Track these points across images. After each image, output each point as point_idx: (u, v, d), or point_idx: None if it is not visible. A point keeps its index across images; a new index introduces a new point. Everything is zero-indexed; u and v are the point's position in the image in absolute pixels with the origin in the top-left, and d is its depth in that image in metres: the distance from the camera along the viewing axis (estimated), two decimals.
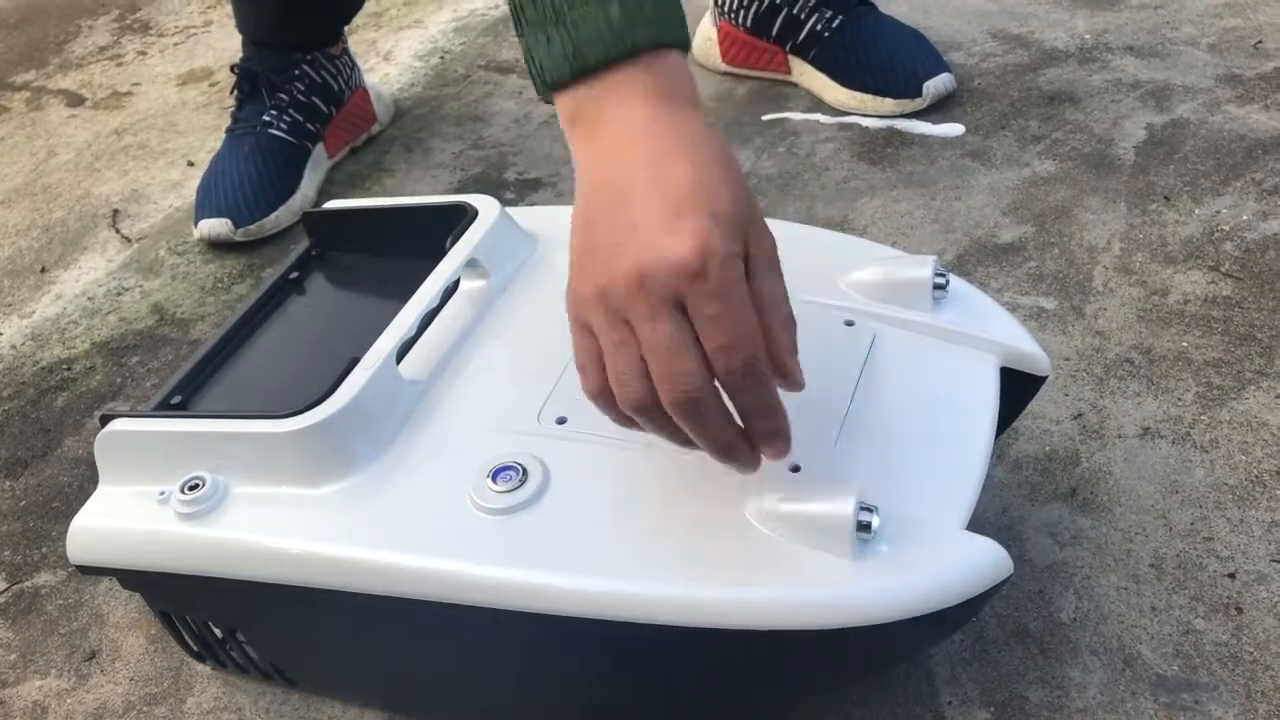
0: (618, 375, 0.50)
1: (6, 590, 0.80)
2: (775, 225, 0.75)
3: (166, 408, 0.66)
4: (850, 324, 0.65)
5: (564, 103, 0.53)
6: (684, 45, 0.54)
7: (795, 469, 0.56)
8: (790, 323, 0.51)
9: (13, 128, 1.40)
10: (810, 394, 0.60)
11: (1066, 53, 1.21)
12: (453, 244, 0.69)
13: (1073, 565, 0.71)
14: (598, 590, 0.53)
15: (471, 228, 0.70)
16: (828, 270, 0.68)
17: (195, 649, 0.69)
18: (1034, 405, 0.81)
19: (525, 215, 0.76)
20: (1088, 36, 1.23)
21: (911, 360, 0.63)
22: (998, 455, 0.78)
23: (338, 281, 0.76)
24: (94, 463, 0.88)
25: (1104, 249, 0.94)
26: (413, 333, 0.64)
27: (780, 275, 0.52)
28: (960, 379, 0.63)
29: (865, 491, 0.52)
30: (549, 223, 0.76)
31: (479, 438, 0.60)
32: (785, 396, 0.60)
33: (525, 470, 0.57)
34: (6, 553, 0.82)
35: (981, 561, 0.53)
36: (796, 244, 0.73)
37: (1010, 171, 1.05)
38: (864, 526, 0.51)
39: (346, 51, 1.24)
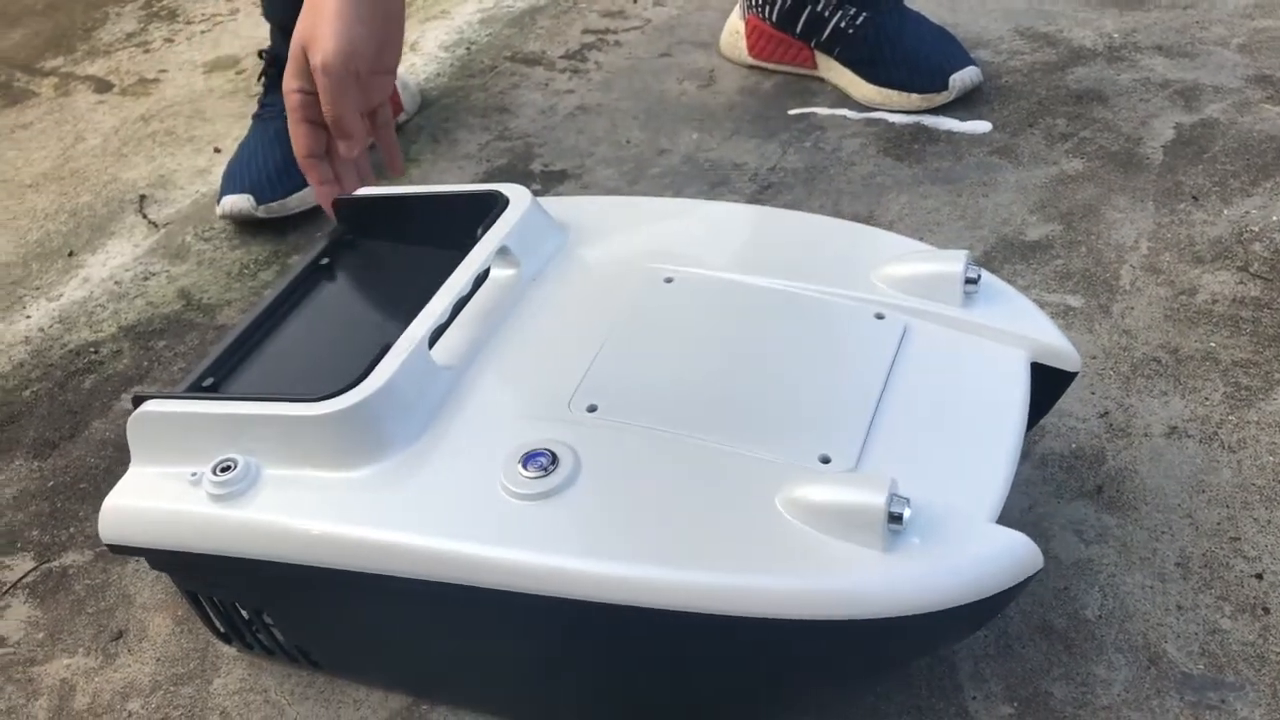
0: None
1: (35, 569, 0.80)
2: (810, 220, 0.76)
3: (198, 390, 0.66)
4: (880, 317, 0.65)
5: None
6: None
7: (825, 460, 0.56)
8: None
9: (41, 113, 1.41)
10: (841, 386, 0.61)
11: (1095, 51, 1.21)
12: (484, 232, 0.70)
13: (1098, 563, 0.71)
14: (627, 576, 0.53)
15: (503, 216, 0.71)
16: (859, 264, 0.68)
17: (222, 630, 0.69)
18: (1061, 403, 0.81)
19: (554, 205, 0.76)
20: (1116, 36, 1.23)
21: (942, 354, 0.63)
22: (1024, 452, 0.78)
23: (367, 268, 0.77)
24: (121, 445, 0.89)
25: (1131, 248, 0.94)
26: (445, 319, 0.65)
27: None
28: (990, 373, 0.63)
29: (897, 483, 0.52)
30: (578, 213, 0.76)
31: (510, 424, 0.60)
32: (816, 387, 0.60)
33: (556, 456, 0.57)
34: (35, 532, 0.83)
35: (1012, 555, 0.53)
36: (829, 237, 0.73)
37: (1038, 169, 1.05)
38: (895, 518, 0.51)
39: None
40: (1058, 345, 0.64)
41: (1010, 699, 0.64)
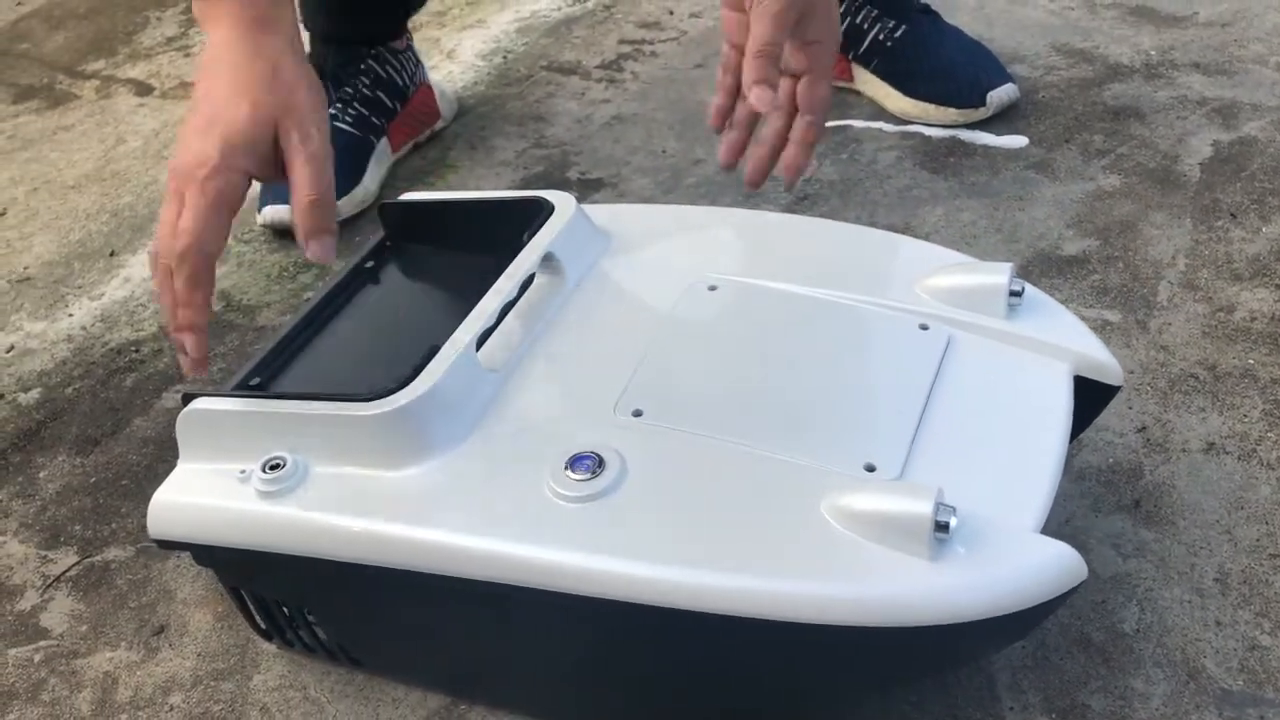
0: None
1: (78, 564, 0.81)
2: (852, 230, 0.76)
3: (246, 389, 0.67)
4: (925, 328, 0.65)
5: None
6: None
7: (870, 468, 0.57)
8: (311, 208, 0.67)
9: (83, 115, 1.43)
10: (885, 395, 0.61)
11: (1132, 68, 1.21)
12: (529, 238, 0.70)
13: (1136, 577, 0.71)
14: (672, 580, 0.54)
15: (549, 223, 0.71)
16: (902, 275, 0.69)
17: (263, 627, 0.70)
18: (1099, 417, 0.81)
19: (597, 212, 0.77)
20: (1153, 53, 1.23)
21: (986, 366, 0.64)
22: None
23: (412, 272, 0.77)
24: (162, 442, 0.90)
25: (1169, 264, 0.94)
26: (492, 323, 0.65)
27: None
28: (1034, 385, 0.63)
29: (943, 492, 0.53)
30: (620, 220, 0.77)
31: (556, 428, 0.61)
32: (860, 396, 0.60)
33: (603, 460, 0.58)
34: (78, 527, 0.84)
35: (1057, 565, 0.53)
36: (872, 247, 0.74)
37: (1074, 184, 1.05)
38: (941, 526, 0.52)
39: (411, 48, 1.26)
40: (1101, 359, 0.65)
41: (1048, 710, 0.64)
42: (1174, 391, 0.83)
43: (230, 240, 1.14)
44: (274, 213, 1.12)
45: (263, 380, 0.68)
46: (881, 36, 1.17)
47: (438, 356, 0.62)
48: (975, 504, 0.54)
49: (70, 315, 1.07)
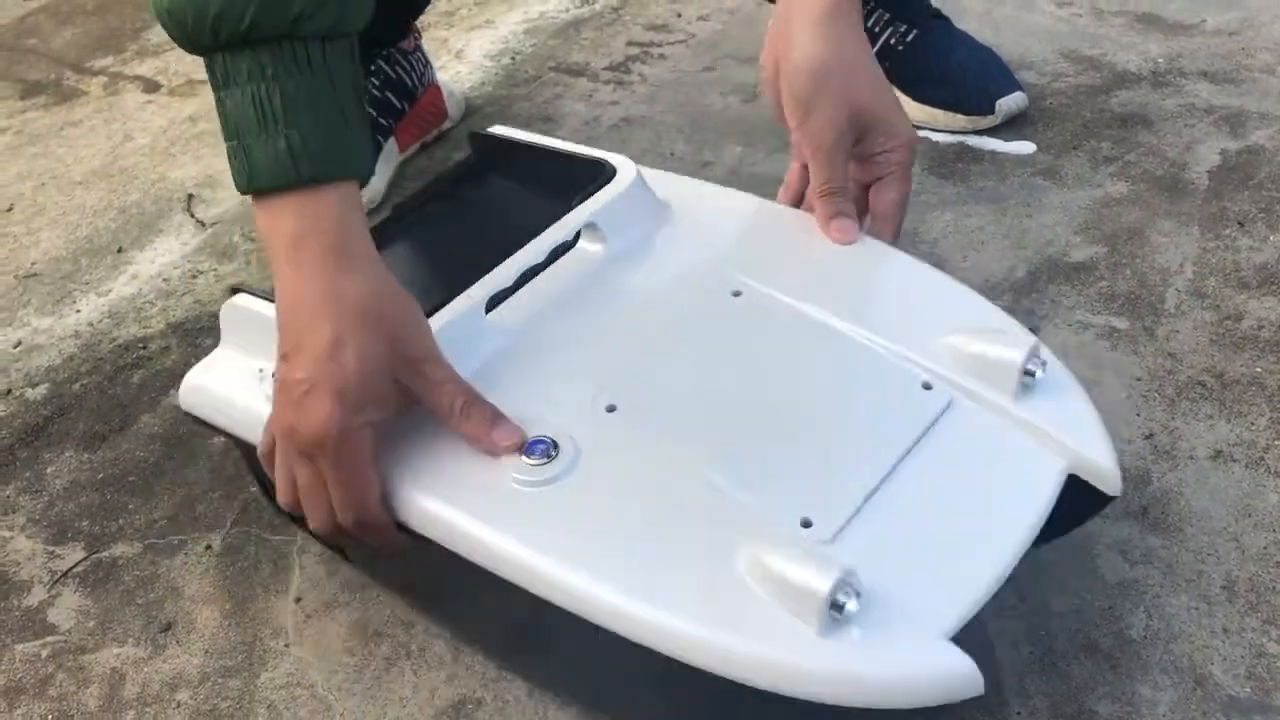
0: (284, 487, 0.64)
1: (85, 559, 0.81)
2: (904, 264, 0.73)
3: None
4: (928, 387, 0.64)
5: (258, 212, 0.62)
6: (357, 173, 0.61)
7: (806, 524, 0.56)
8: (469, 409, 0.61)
9: (90, 111, 1.43)
10: (856, 449, 0.60)
11: (1139, 76, 1.21)
12: (578, 203, 0.72)
13: (1143, 583, 0.71)
14: (572, 585, 0.56)
15: (600, 191, 0.73)
16: (930, 324, 0.67)
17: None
18: (1105, 423, 0.81)
19: (667, 182, 0.78)
20: (1161, 60, 1.23)
21: (975, 443, 0.61)
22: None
23: (479, 202, 0.80)
24: (170, 439, 0.91)
25: (1176, 272, 0.94)
26: (508, 284, 0.68)
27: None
28: (1019, 477, 0.60)
29: (856, 571, 0.52)
30: (684, 197, 0.78)
31: (532, 405, 0.63)
32: (832, 443, 0.61)
33: (558, 447, 0.60)
34: (85, 523, 0.84)
35: (947, 676, 0.52)
36: (914, 288, 0.71)
37: (1082, 191, 1.05)
38: (838, 606, 0.51)
39: (419, 48, 1.26)
40: (1102, 463, 0.61)
41: (1055, 715, 0.65)
42: (1181, 399, 0.83)
43: (238, 238, 1.15)
44: None
45: None
46: (893, 40, 1.17)
47: (447, 308, 0.66)
48: (894, 588, 0.53)
49: (78, 311, 1.07)
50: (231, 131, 0.59)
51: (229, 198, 1.22)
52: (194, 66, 1.50)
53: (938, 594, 0.54)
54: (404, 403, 0.62)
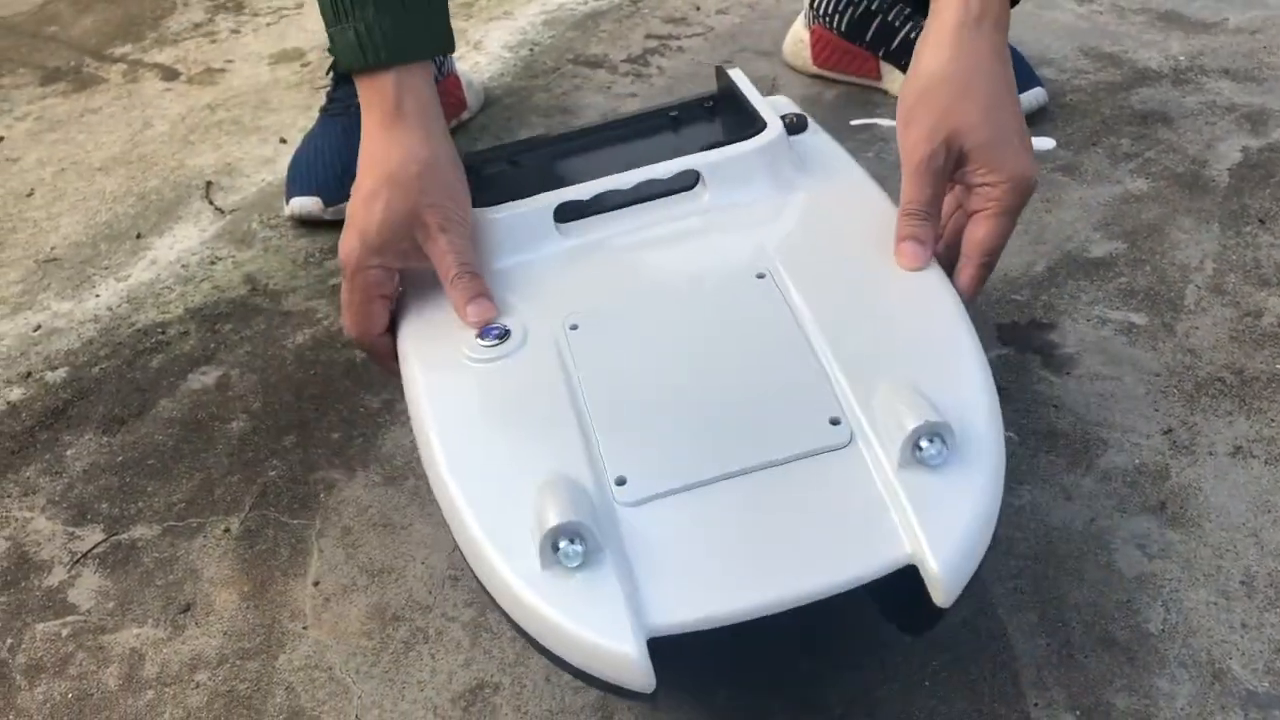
0: None
1: (105, 541, 0.82)
2: (928, 296, 0.69)
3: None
4: (835, 422, 0.61)
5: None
6: (415, 58, 0.72)
7: (621, 481, 0.59)
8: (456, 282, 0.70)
9: (110, 98, 1.43)
10: (723, 442, 0.61)
11: (1160, 73, 1.21)
12: (700, 149, 0.75)
13: (1161, 577, 0.71)
14: (429, 446, 0.64)
15: (726, 147, 0.75)
16: (891, 365, 0.63)
17: None
18: (1123, 419, 0.81)
19: (826, 155, 0.80)
20: (1182, 58, 1.23)
21: (839, 489, 0.59)
22: (1084, 467, 0.78)
23: (683, 133, 0.83)
24: (188, 423, 0.91)
25: (1196, 268, 0.94)
26: (584, 198, 0.74)
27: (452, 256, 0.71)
28: (853, 539, 0.57)
29: (592, 529, 0.55)
30: (830, 174, 0.78)
31: (516, 303, 0.70)
32: (702, 426, 0.62)
33: (509, 333, 0.68)
34: (104, 505, 0.85)
35: (606, 655, 0.54)
36: (911, 324, 0.67)
37: (1102, 187, 1.05)
38: (556, 547, 0.55)
39: None
40: (936, 570, 0.55)
41: (1072, 707, 0.65)
42: (1201, 395, 0.83)
43: (256, 226, 1.15)
44: (300, 204, 1.12)
45: (477, 159, 0.82)
46: (913, 35, 1.17)
47: (523, 200, 0.73)
48: (646, 570, 0.56)
49: (97, 296, 1.08)
50: (326, 21, 0.73)
51: (247, 185, 1.22)
52: (213, 55, 1.51)
53: (682, 596, 0.55)
54: (421, 257, 0.71)
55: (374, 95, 0.72)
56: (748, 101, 0.80)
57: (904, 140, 0.71)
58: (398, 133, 0.71)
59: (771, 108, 0.79)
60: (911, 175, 0.70)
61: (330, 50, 0.73)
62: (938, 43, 0.70)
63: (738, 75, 0.84)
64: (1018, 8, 0.76)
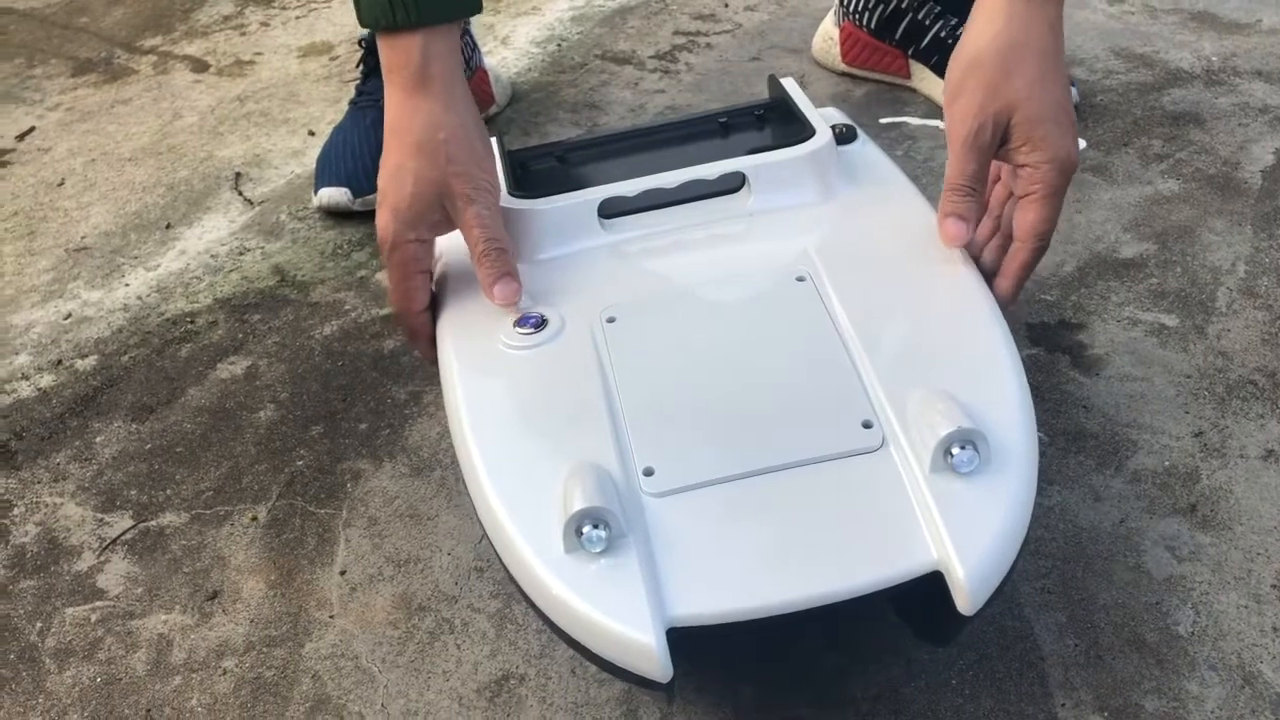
0: None
1: (133, 527, 0.82)
2: (965, 299, 0.68)
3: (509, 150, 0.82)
4: (867, 426, 0.61)
5: (378, 42, 0.72)
6: (443, 19, 0.70)
7: (649, 472, 0.60)
8: (483, 259, 0.70)
9: (140, 89, 1.44)
10: (753, 439, 0.61)
11: (1192, 74, 1.20)
12: (746, 154, 0.76)
13: (1191, 580, 0.70)
14: (462, 433, 0.64)
15: (771, 152, 0.75)
16: (925, 371, 0.63)
17: None
18: (1153, 420, 0.81)
19: (871, 164, 0.79)
20: (1214, 59, 1.22)
21: (869, 493, 0.58)
22: (1114, 468, 0.78)
23: (734, 138, 0.83)
24: (217, 412, 0.91)
25: (1228, 271, 0.94)
26: (629, 194, 0.74)
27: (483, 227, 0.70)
28: (882, 543, 0.56)
29: (617, 516, 0.56)
30: (881, 179, 0.78)
31: (556, 293, 0.71)
32: (733, 422, 0.62)
33: (546, 322, 0.68)
34: (133, 492, 0.85)
35: (623, 642, 0.54)
36: (948, 329, 0.67)
37: (1132, 188, 1.04)
38: (580, 531, 0.56)
39: (468, 32, 1.26)
40: (962, 578, 0.54)
41: (1100, 709, 0.64)
42: (1232, 397, 0.82)
43: (285, 217, 1.15)
44: (329, 195, 1.13)
45: (525, 154, 0.83)
46: (943, 34, 1.16)
47: (570, 193, 0.74)
48: (668, 560, 0.56)
49: (126, 285, 1.08)
50: None
51: (276, 177, 1.23)
52: (242, 47, 1.52)
53: (704, 589, 0.55)
54: (454, 226, 0.71)
55: (399, 58, 0.70)
56: (798, 109, 0.80)
57: (950, 113, 0.69)
58: (422, 99, 0.70)
59: (822, 118, 0.79)
60: (957, 149, 0.69)
61: (358, 9, 0.70)
62: (990, 14, 0.68)
63: (790, 84, 0.84)
64: None
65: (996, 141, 0.69)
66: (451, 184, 0.69)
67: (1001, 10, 0.68)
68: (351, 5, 0.72)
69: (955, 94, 0.69)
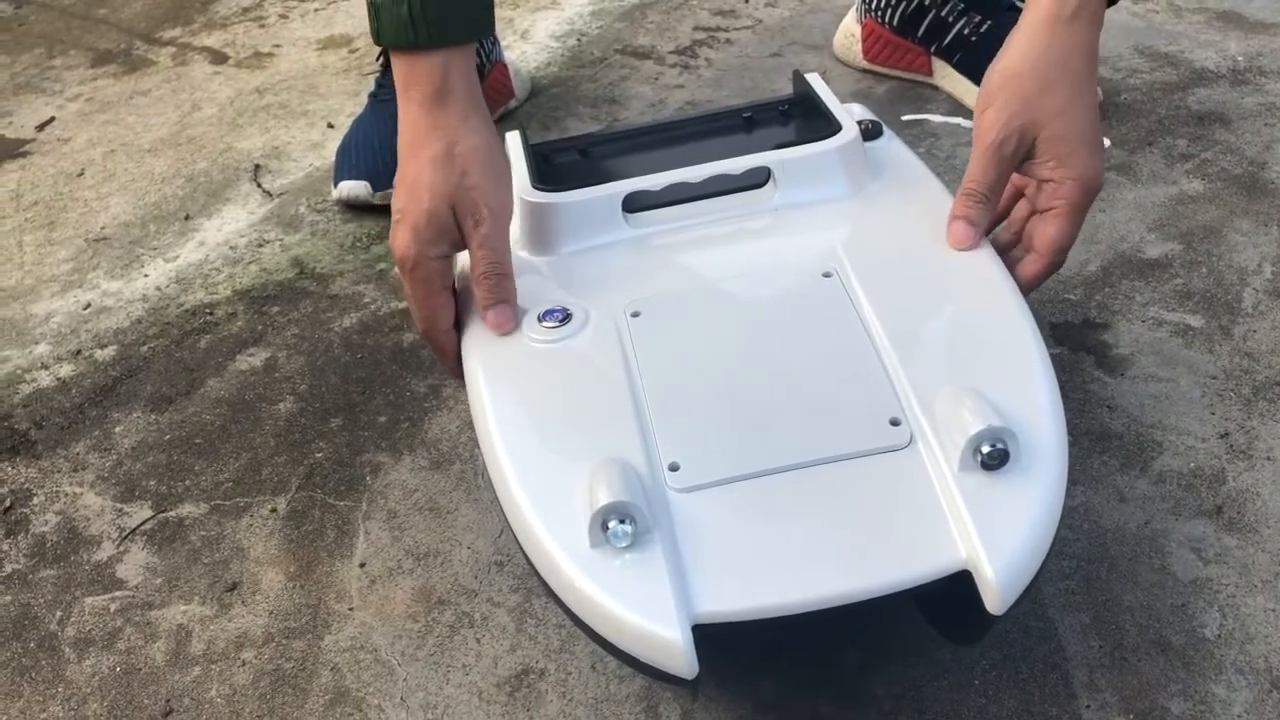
0: None
1: (152, 518, 0.82)
2: (990, 298, 0.67)
3: (531, 144, 0.82)
4: (895, 423, 0.60)
5: (392, 58, 0.72)
6: (463, 39, 0.70)
7: (674, 467, 0.59)
8: (482, 281, 0.69)
9: (159, 81, 1.44)
10: (780, 436, 0.61)
11: (1217, 73, 1.19)
12: (772, 148, 0.75)
13: (1217, 583, 0.70)
14: (485, 425, 0.64)
15: (797, 147, 0.75)
16: (952, 368, 0.63)
17: None
18: (1179, 420, 0.80)
19: (896, 156, 0.79)
20: (1240, 59, 1.21)
21: (897, 491, 0.58)
22: (1138, 469, 0.77)
23: (757, 134, 0.83)
24: (235, 403, 0.91)
25: (1254, 271, 0.93)
26: (654, 188, 0.74)
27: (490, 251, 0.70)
28: (909, 541, 0.56)
29: (643, 510, 0.55)
30: (907, 175, 0.78)
31: (581, 286, 0.71)
32: (759, 418, 0.62)
33: (570, 317, 0.68)
34: (152, 483, 0.85)
35: (648, 637, 0.53)
36: (976, 326, 0.66)
37: (1157, 188, 1.03)
38: (606, 526, 0.55)
39: None
40: (991, 577, 0.54)
41: (1125, 711, 0.64)
42: (1259, 399, 0.81)
43: (304, 209, 1.15)
44: (349, 188, 1.12)
45: (548, 147, 0.83)
46: (966, 31, 1.15)
47: (593, 188, 0.74)
48: (695, 556, 0.55)
49: (146, 276, 1.08)
50: None
51: (295, 169, 1.22)
52: (261, 40, 1.51)
53: (729, 585, 0.54)
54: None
55: (419, 75, 0.70)
56: (824, 104, 0.80)
57: (979, 121, 0.71)
58: (441, 115, 0.70)
59: (848, 113, 0.79)
60: (980, 156, 0.70)
61: (374, 27, 0.70)
62: (1032, 34, 0.70)
63: (815, 79, 0.83)
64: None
65: (1020, 155, 0.70)
66: (468, 199, 0.69)
67: (1043, 31, 0.70)
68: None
69: (987, 102, 0.70)
